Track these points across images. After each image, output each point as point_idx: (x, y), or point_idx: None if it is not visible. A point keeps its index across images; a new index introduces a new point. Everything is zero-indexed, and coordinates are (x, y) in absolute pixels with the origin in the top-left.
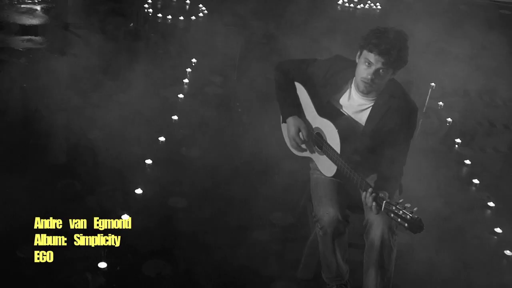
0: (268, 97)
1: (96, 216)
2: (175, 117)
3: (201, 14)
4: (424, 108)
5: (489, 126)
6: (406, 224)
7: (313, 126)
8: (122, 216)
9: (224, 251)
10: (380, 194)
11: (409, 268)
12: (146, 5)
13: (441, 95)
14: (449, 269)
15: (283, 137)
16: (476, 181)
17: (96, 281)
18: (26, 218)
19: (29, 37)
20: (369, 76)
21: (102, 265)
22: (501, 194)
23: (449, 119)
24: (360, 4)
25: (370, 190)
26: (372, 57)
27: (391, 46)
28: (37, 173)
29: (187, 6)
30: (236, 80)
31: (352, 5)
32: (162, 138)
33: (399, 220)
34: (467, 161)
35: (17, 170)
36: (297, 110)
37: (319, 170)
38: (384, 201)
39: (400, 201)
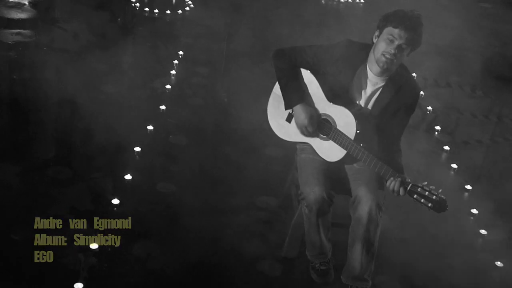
0: (253, 86)
1: (87, 199)
2: (163, 107)
3: (187, 8)
4: None
5: (469, 116)
6: (430, 204)
7: (320, 113)
8: (112, 201)
9: (212, 232)
10: (407, 179)
11: (391, 246)
12: (133, 0)
13: (423, 86)
14: (429, 246)
15: (267, 124)
16: (454, 165)
17: (88, 261)
18: (19, 203)
19: (18, 30)
20: (392, 51)
21: (94, 246)
22: (477, 178)
23: (429, 108)
24: None
25: (394, 175)
26: (396, 32)
27: (416, 24)
28: (29, 161)
29: (174, 0)
30: (222, 71)
31: None
32: (150, 127)
33: (422, 200)
34: (446, 147)
35: (9, 158)
36: (304, 96)
37: (308, 151)
38: (410, 184)
39: (425, 183)
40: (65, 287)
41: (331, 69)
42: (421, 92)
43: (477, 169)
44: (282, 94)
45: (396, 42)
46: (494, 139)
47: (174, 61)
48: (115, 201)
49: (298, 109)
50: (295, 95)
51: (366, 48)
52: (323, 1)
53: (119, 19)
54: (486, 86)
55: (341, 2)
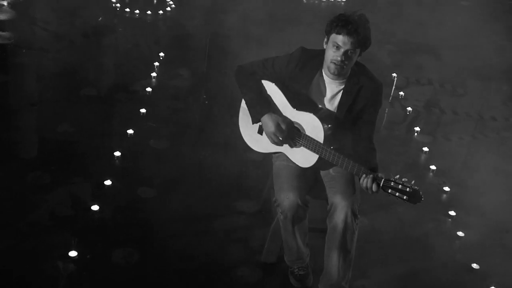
0: (234, 88)
1: (67, 205)
2: (143, 110)
3: (168, 8)
4: (390, 98)
5: (451, 114)
6: (405, 197)
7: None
8: (92, 207)
9: (191, 238)
10: (378, 174)
11: (370, 250)
12: (113, 0)
13: (405, 85)
14: (408, 248)
15: None
16: (433, 167)
17: (67, 268)
18: None
19: None
20: (339, 58)
21: (73, 253)
22: (456, 179)
23: (409, 108)
24: None
25: (366, 172)
26: (340, 39)
27: (357, 26)
28: (8, 165)
29: (155, 0)
30: (204, 73)
31: None
32: (130, 131)
33: (397, 194)
34: (425, 148)
35: None
36: (269, 107)
37: (282, 158)
38: (383, 179)
39: (397, 176)
40: None
41: (290, 78)
42: (401, 93)
43: (456, 170)
44: (248, 109)
45: (342, 49)
46: (475, 136)
47: (154, 63)
48: (95, 208)
49: (265, 119)
50: (260, 107)
51: (320, 54)
52: (304, 0)
53: (99, 19)
54: (466, 84)
55: (323, 2)
